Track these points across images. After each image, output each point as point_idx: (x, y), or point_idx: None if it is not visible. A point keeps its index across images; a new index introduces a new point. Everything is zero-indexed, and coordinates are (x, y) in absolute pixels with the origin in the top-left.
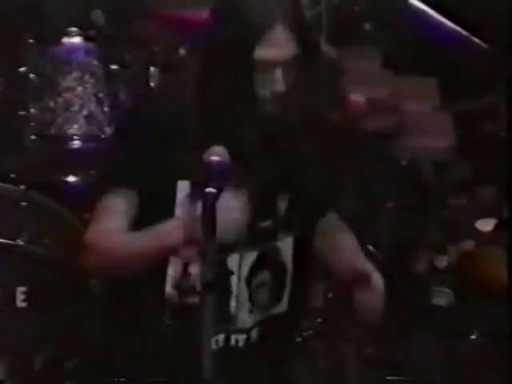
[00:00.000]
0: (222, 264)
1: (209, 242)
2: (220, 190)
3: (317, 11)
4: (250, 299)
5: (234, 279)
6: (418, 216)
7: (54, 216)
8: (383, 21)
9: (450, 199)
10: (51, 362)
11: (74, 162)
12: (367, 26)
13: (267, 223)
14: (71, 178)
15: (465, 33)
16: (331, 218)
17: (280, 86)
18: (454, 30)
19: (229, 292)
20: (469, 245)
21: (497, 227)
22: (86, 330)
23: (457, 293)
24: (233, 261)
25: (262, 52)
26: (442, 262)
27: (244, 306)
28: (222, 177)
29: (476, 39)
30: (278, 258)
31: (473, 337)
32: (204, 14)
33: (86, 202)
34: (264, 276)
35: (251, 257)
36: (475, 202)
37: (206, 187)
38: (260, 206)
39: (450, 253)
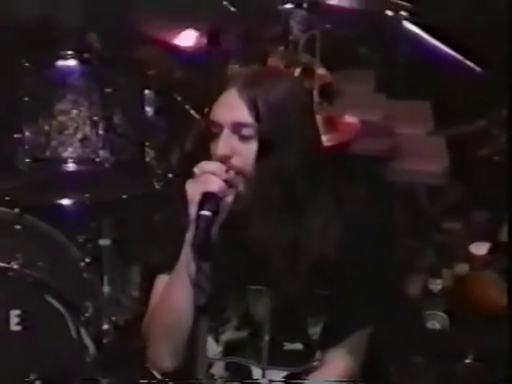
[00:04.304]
0: (246, 373)
1: (202, 265)
2: (215, 214)
3: (310, 35)
4: None
5: None
6: (412, 239)
7: (48, 239)
8: (377, 44)
9: (443, 223)
10: None
11: (69, 184)
12: (361, 49)
13: (297, 346)
14: (65, 201)
15: (459, 57)
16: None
17: (221, 149)
18: (448, 54)
19: None
20: (463, 268)
21: (491, 251)
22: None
23: (451, 316)
24: (256, 374)
25: (215, 112)
26: (437, 285)
27: None
28: (216, 200)
29: (470, 63)
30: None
31: (467, 360)
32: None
33: (80, 225)
34: None
35: (276, 375)
36: (469, 225)
37: (200, 210)
38: (287, 326)
39: (444, 276)
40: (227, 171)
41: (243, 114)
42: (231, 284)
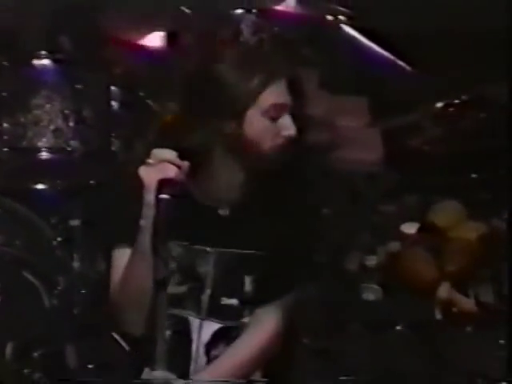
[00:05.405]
0: (184, 321)
1: (162, 243)
2: (174, 197)
3: (259, 37)
4: None
5: (193, 343)
6: (351, 220)
7: (24, 220)
8: (319, 46)
9: (378, 205)
10: (20, 351)
11: (43, 171)
12: (305, 50)
13: (232, 301)
14: (40, 186)
15: (392, 57)
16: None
17: (293, 130)
18: (382, 55)
19: (188, 355)
20: (395, 246)
21: (420, 230)
22: (53, 321)
23: (384, 289)
24: (195, 322)
25: (270, 97)
26: (372, 261)
27: (201, 371)
28: (174, 184)
29: (402, 63)
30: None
31: (398, 328)
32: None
33: (53, 208)
34: (224, 349)
35: (213, 326)
36: (401, 207)
37: (159, 193)
38: (226, 283)
39: (379, 253)
40: (180, 158)
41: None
42: (178, 243)
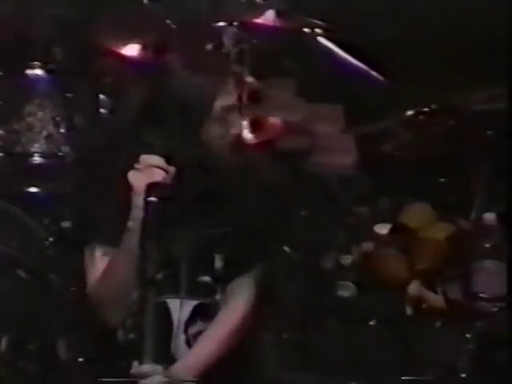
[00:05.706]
0: (164, 306)
1: (151, 243)
2: (161, 199)
3: (240, 48)
4: (188, 345)
5: (174, 321)
6: (327, 221)
7: (19, 221)
8: (297, 57)
9: (353, 207)
10: (15, 344)
11: (36, 175)
12: (283, 60)
13: (206, 279)
14: (33, 189)
15: (365, 68)
16: (241, 281)
17: (240, 128)
18: (356, 65)
19: (169, 333)
20: (369, 246)
21: (392, 231)
22: (46, 316)
23: (358, 286)
24: (174, 304)
25: (221, 102)
26: (347, 260)
27: (181, 349)
28: (162, 187)
29: (375, 73)
30: (215, 311)
31: (371, 323)
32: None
33: (45, 210)
34: (200, 326)
35: (191, 304)
36: (374, 209)
37: (148, 197)
38: (199, 262)
39: (353, 252)
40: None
41: None
42: (156, 231)
